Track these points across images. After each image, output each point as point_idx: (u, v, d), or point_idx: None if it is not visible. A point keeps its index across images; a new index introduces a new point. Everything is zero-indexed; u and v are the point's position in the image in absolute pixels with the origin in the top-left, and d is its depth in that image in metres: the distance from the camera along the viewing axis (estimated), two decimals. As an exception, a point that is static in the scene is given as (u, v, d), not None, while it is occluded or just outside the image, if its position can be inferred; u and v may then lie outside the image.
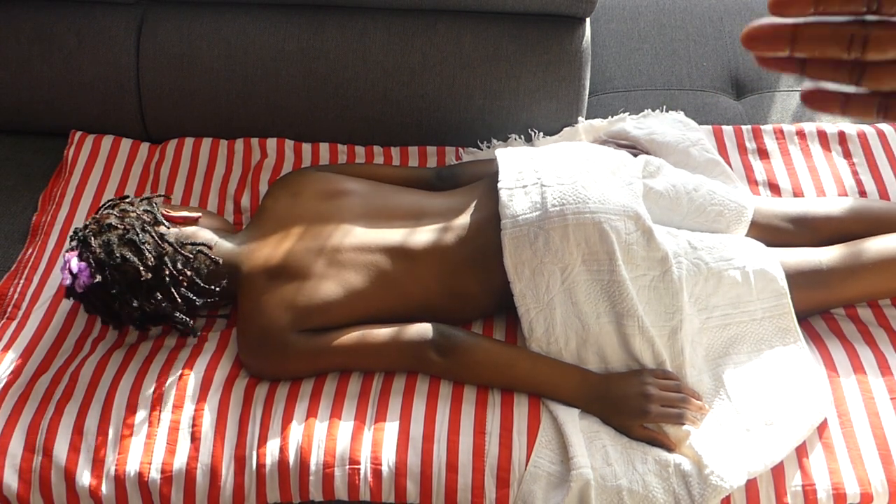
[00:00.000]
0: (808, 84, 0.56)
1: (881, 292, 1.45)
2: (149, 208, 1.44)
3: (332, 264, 1.39)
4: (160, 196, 1.51)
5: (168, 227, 1.42)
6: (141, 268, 1.35)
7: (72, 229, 1.50)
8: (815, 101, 0.56)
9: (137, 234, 1.37)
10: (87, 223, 1.42)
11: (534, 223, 1.37)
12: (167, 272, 1.37)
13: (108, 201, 1.48)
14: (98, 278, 1.35)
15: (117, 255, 1.35)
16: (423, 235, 1.42)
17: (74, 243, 1.41)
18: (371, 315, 1.38)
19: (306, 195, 1.50)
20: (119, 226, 1.39)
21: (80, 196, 1.70)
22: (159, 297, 1.37)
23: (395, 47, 1.74)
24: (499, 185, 1.43)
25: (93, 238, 1.38)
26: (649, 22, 1.99)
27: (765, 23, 0.54)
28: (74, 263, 1.37)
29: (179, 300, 1.38)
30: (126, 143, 1.80)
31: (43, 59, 1.79)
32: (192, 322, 1.41)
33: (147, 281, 1.36)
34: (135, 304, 1.36)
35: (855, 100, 0.55)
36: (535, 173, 1.43)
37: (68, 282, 1.38)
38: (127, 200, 1.46)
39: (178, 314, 1.39)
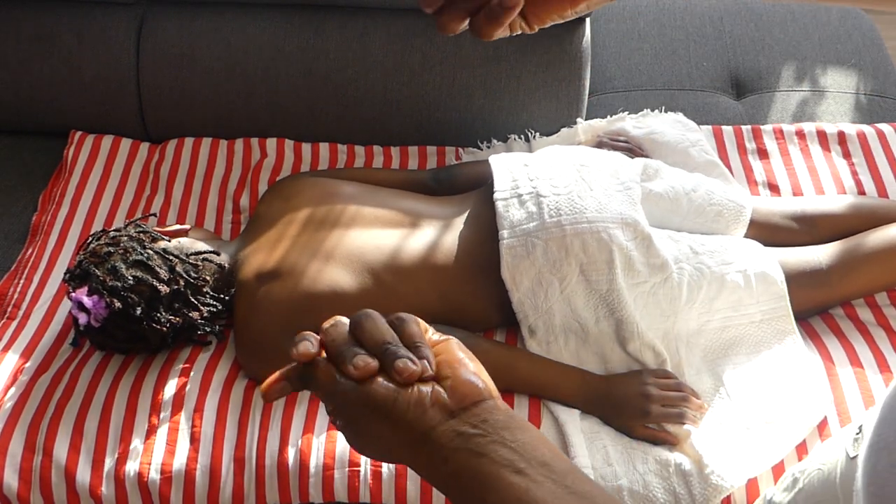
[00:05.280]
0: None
1: (881, 285, 1.45)
2: (139, 228, 1.41)
3: (326, 268, 1.37)
4: (146, 216, 1.49)
5: (168, 240, 1.40)
6: (156, 283, 1.31)
7: (64, 272, 1.39)
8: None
9: (141, 253, 1.34)
10: (79, 259, 1.37)
11: (531, 233, 1.36)
12: (183, 282, 1.34)
13: (92, 234, 1.43)
14: (117, 305, 1.29)
15: (128, 277, 1.30)
16: (418, 246, 1.41)
17: (74, 282, 1.34)
18: None
19: (300, 199, 1.49)
20: (117, 250, 1.34)
21: (80, 196, 1.70)
22: (182, 307, 1.34)
23: (395, 47, 1.74)
24: (494, 195, 1.42)
25: (94, 269, 1.32)
26: (649, 22, 1.99)
27: None
28: (86, 299, 1.30)
29: (202, 306, 1.36)
30: (126, 143, 1.79)
31: (43, 59, 1.79)
32: (216, 328, 1.39)
33: (166, 295, 1.32)
34: (162, 319, 1.32)
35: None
36: (530, 182, 1.42)
37: (84, 320, 1.31)
38: (113, 229, 1.42)
39: (203, 322, 1.36)
